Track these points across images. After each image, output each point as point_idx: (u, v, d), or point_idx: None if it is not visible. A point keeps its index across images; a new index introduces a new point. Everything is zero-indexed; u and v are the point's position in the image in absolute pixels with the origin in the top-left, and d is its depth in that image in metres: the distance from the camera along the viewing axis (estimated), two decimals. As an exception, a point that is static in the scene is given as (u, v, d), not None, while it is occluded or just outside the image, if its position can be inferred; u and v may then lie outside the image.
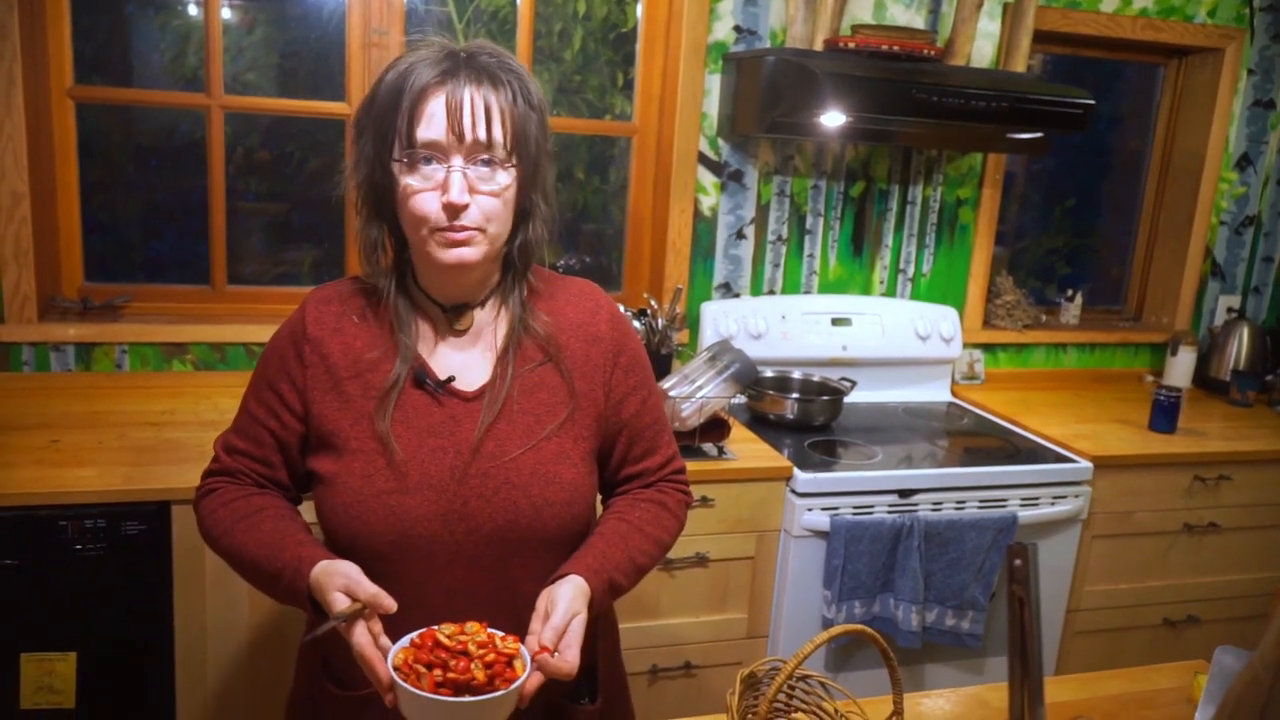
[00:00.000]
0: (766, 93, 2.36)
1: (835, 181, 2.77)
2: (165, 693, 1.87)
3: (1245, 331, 3.10)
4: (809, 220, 2.77)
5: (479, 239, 1.12)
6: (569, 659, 1.03)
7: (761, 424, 2.47)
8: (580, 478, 1.20)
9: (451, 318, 1.20)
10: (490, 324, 1.22)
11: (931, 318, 2.80)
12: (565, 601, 1.07)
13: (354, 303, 1.21)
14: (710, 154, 2.63)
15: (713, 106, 2.60)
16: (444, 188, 1.08)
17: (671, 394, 2.14)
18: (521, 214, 1.17)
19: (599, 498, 1.30)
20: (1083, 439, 2.50)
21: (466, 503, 1.14)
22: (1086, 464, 2.39)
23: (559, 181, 1.94)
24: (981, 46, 2.72)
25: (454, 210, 1.09)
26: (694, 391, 2.15)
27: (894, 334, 2.76)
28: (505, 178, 1.11)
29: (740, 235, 2.71)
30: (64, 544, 1.75)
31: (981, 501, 2.29)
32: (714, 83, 2.58)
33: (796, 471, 2.16)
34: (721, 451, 2.20)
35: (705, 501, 2.11)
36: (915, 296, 2.92)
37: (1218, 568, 2.63)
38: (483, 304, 1.21)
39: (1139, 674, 1.47)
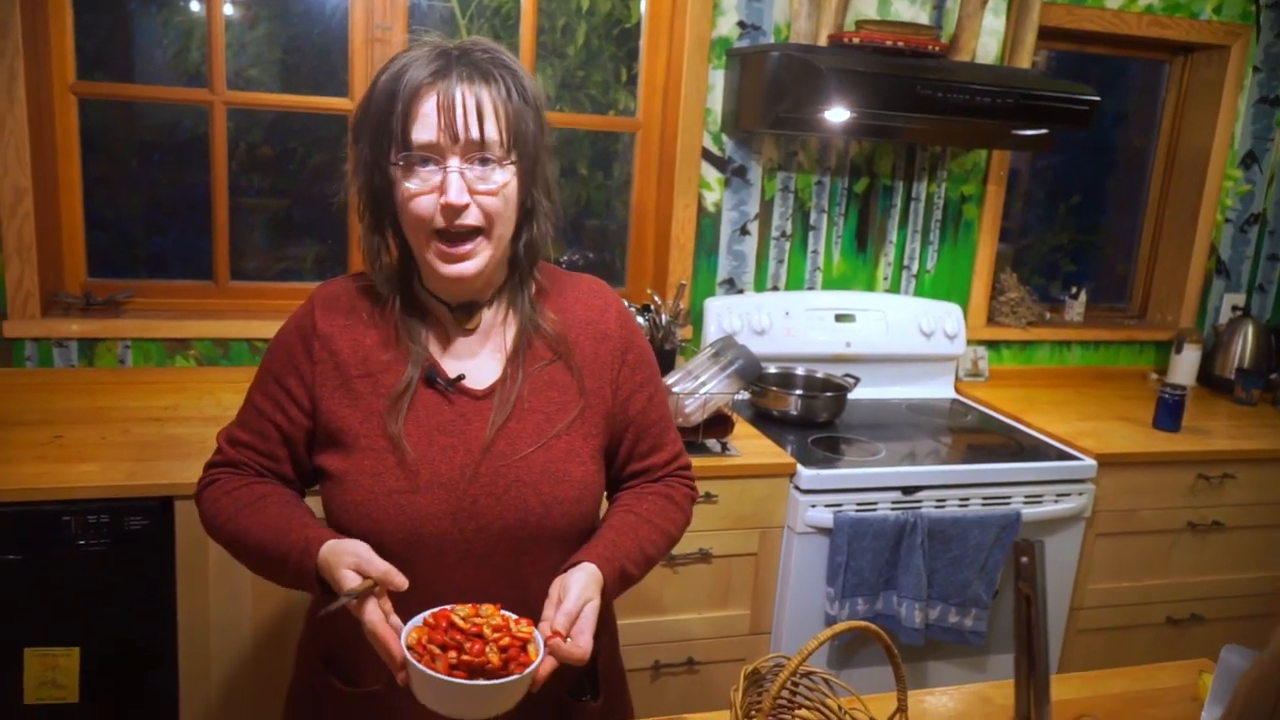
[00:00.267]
0: (770, 88, 2.36)
1: (839, 177, 2.76)
2: (168, 687, 1.87)
3: (1250, 329, 3.09)
4: (813, 216, 2.76)
5: (481, 246, 1.11)
6: (582, 644, 1.03)
7: (765, 420, 2.47)
8: (589, 475, 1.20)
9: (460, 317, 1.20)
10: (499, 322, 1.22)
11: (935, 314, 2.80)
12: (578, 588, 1.07)
13: (362, 300, 1.21)
14: (714, 150, 2.63)
15: (717, 102, 2.59)
16: (441, 189, 1.08)
17: (675, 390, 2.14)
18: (525, 212, 1.17)
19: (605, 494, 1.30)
20: (1086, 436, 2.49)
21: (476, 501, 1.13)
22: (1090, 462, 2.39)
23: (562, 177, 1.94)
24: (986, 42, 2.71)
25: (453, 211, 1.08)
26: (698, 387, 2.15)
27: (898, 330, 2.76)
28: (504, 175, 1.10)
29: (744, 231, 2.70)
30: (67, 539, 1.75)
31: (985, 499, 2.29)
32: (718, 78, 2.58)
33: (800, 468, 2.16)
34: (725, 448, 2.19)
35: (709, 498, 2.11)
36: (919, 293, 2.91)
37: (1221, 566, 2.62)
38: (490, 303, 1.21)
39: (1143, 672, 1.46)
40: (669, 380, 2.16)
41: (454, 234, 1.10)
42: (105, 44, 2.35)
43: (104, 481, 1.76)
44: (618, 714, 1.32)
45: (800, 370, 2.66)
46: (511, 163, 1.11)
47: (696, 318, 2.68)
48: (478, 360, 1.20)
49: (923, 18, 2.68)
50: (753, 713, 1.11)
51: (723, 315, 2.60)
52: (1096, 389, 3.02)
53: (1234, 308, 3.26)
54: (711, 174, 2.64)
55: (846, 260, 2.83)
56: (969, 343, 2.96)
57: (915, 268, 2.90)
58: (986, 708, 1.34)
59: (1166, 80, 3.20)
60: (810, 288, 2.81)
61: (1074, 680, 1.44)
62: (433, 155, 1.08)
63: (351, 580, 1.01)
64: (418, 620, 1.01)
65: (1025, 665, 1.19)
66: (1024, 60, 2.64)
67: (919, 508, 2.22)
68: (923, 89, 2.25)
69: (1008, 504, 2.30)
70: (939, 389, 2.88)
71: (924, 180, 2.84)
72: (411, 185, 1.09)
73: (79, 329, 2.28)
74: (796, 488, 2.17)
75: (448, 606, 1.02)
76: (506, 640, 0.99)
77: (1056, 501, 2.35)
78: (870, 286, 2.87)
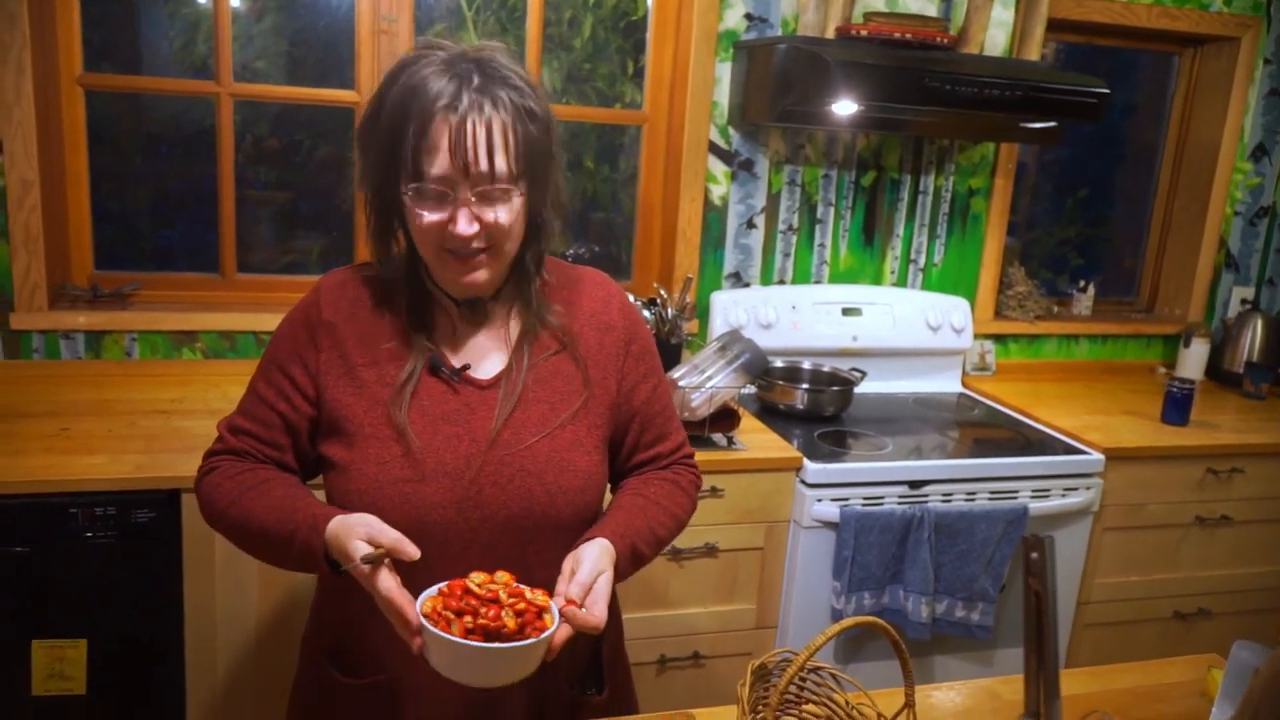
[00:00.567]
0: (778, 81, 2.35)
1: (846, 171, 2.75)
2: (175, 679, 1.87)
3: (1259, 323, 3.08)
4: (820, 210, 2.75)
5: (489, 260, 1.13)
6: (596, 613, 1.03)
7: (771, 414, 2.46)
8: (594, 465, 1.20)
9: (465, 311, 1.21)
10: (504, 313, 1.23)
11: (942, 308, 2.79)
12: (591, 560, 1.08)
13: (368, 290, 1.22)
14: (721, 143, 2.62)
15: (723, 95, 2.58)
16: (451, 219, 1.09)
17: (681, 384, 2.13)
18: (534, 229, 1.18)
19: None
20: (1094, 431, 2.49)
21: (481, 490, 1.14)
22: (1098, 456, 2.38)
23: (568, 170, 1.93)
24: (995, 35, 2.70)
25: (461, 240, 1.10)
26: (704, 381, 2.14)
27: (905, 324, 2.75)
28: (514, 201, 1.12)
29: (750, 225, 2.70)
30: (74, 532, 1.75)
31: (992, 493, 2.28)
32: (725, 71, 2.57)
33: (806, 462, 2.16)
34: (731, 442, 2.19)
35: (715, 492, 2.11)
36: (926, 287, 2.90)
37: (1229, 561, 2.62)
38: (496, 296, 1.22)
39: (1151, 667, 1.46)
40: (675, 374, 2.16)
41: (463, 252, 1.12)
42: (112, 36, 2.35)
43: (111, 474, 1.77)
44: (623, 708, 1.32)
45: (807, 364, 2.65)
46: (521, 192, 1.12)
47: (703, 311, 2.67)
48: (483, 350, 1.21)
49: (931, 10, 2.67)
50: (760, 707, 1.11)
51: (729, 309, 2.59)
52: (1104, 383, 3.01)
53: (1243, 301, 3.24)
54: (718, 167, 2.63)
55: (853, 254, 2.82)
56: (976, 337, 2.95)
57: (922, 261, 2.89)
58: (994, 703, 1.34)
59: (1176, 72, 3.18)
60: (817, 281, 2.80)
61: (1082, 675, 1.43)
62: (444, 188, 1.09)
63: (364, 550, 1.02)
64: (432, 591, 1.01)
65: (1035, 660, 1.19)
66: (1033, 52, 2.62)
67: (926, 502, 2.22)
68: (931, 81, 2.24)
69: (1015, 498, 2.29)
70: (946, 383, 2.87)
71: (931, 173, 2.83)
72: (423, 211, 1.10)
73: (86, 321, 2.29)
74: (803, 482, 2.17)
75: (463, 577, 1.02)
76: (522, 605, 0.99)
77: (1064, 496, 2.34)
78: (877, 280, 2.86)
